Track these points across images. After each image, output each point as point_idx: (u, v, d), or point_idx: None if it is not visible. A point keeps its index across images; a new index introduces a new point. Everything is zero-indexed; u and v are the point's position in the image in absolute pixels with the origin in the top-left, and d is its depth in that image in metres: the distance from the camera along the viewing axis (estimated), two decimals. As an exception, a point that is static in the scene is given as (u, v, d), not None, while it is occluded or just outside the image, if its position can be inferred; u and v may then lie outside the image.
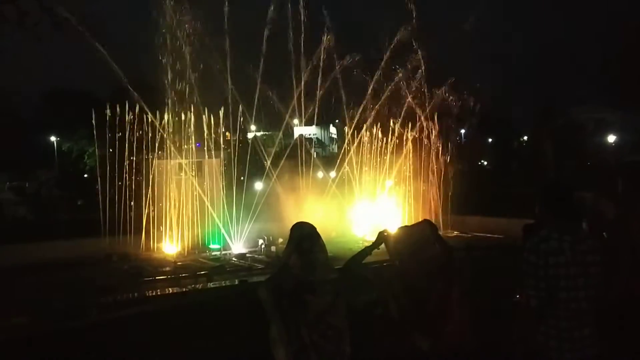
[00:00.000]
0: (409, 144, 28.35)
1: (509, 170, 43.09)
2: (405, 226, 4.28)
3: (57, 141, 43.72)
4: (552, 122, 45.16)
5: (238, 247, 22.36)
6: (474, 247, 11.78)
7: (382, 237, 4.24)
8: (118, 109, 21.25)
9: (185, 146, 22.96)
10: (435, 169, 28.59)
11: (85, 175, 35.38)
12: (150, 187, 21.88)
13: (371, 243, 4.22)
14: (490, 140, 51.19)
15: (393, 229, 4.28)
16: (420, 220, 4.42)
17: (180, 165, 22.92)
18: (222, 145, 24.37)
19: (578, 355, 3.23)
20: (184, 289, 7.57)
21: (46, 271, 17.11)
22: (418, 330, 3.77)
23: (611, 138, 45.98)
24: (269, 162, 26.57)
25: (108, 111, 21.16)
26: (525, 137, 55.14)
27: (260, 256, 20.89)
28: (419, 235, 4.12)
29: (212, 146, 23.73)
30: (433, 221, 4.53)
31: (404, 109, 28.18)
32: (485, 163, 50.48)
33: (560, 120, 45.91)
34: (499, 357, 4.83)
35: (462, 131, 37.09)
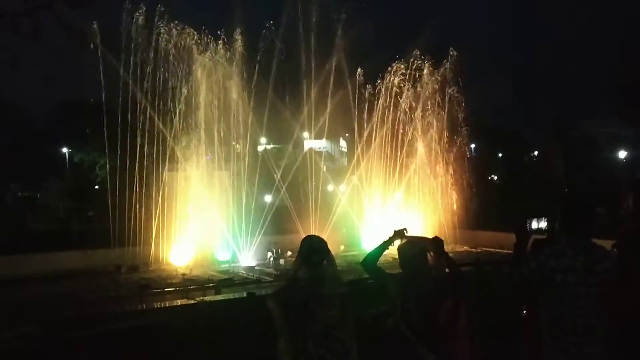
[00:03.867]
0: (419, 157, 28.34)
1: (519, 185, 42.83)
2: (407, 241, 4.24)
3: (69, 152, 44.08)
4: (563, 136, 44.93)
5: (247, 259, 22.35)
6: (483, 262, 11.69)
7: (399, 233, 4.23)
8: (130, 120, 21.46)
9: (195, 159, 23.11)
10: (445, 183, 28.54)
11: (97, 187, 35.61)
12: (160, 199, 21.99)
13: (387, 238, 4.23)
14: (500, 155, 51.01)
15: (407, 232, 4.27)
16: (427, 235, 4.41)
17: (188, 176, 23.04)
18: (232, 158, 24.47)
19: None
20: (192, 301, 7.57)
21: (56, 281, 17.22)
22: (424, 346, 3.76)
23: (622, 154, 45.58)
24: (278, 175, 26.65)
25: (120, 123, 21.37)
26: (536, 152, 54.84)
27: (268, 269, 20.88)
28: (418, 252, 4.09)
29: (222, 158, 23.87)
30: (442, 235, 4.51)
31: (413, 122, 28.25)
32: (495, 178, 50.26)
33: (572, 135, 45.66)
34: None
35: (472, 145, 37.00)
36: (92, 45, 21.13)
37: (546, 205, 25.27)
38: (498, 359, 5.11)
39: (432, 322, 3.75)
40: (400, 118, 28.17)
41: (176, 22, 22.57)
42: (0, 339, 5.37)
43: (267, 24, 24.30)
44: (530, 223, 23.33)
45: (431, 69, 28.00)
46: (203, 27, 23.26)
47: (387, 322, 4.05)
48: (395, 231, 4.24)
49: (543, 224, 22.20)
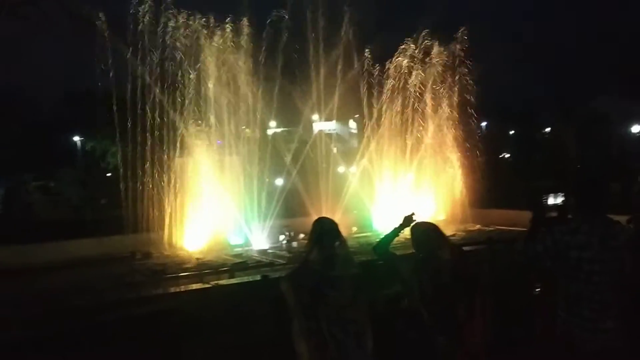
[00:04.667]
0: (430, 136, 28.18)
1: (531, 163, 42.57)
2: (417, 224, 4.24)
3: (80, 141, 44.37)
4: (574, 112, 44.47)
5: (259, 243, 22.47)
6: (496, 240, 11.69)
7: (408, 219, 4.25)
8: (139, 108, 21.51)
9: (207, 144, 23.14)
10: (456, 162, 28.37)
11: (109, 174, 35.85)
12: (172, 185, 22.10)
13: (398, 225, 4.24)
14: (511, 132, 50.64)
15: (417, 217, 4.28)
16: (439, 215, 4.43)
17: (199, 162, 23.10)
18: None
19: (600, 347, 3.22)
20: (207, 285, 7.66)
21: (72, 269, 17.42)
22: (439, 329, 3.77)
23: (636, 128, 45.05)
24: (289, 158, 26.64)
25: (130, 110, 21.43)
26: (548, 129, 54.37)
27: (281, 252, 20.96)
28: (433, 234, 4.09)
29: (233, 143, 23.87)
30: (455, 215, 4.52)
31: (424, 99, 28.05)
32: (508, 155, 49.96)
33: (583, 111, 45.18)
34: (521, 348, 4.82)
35: (484, 124, 36.73)
36: (98, 34, 21.12)
37: (559, 182, 25.12)
38: (511, 337, 5.12)
39: (450, 311, 3.75)
40: (410, 98, 27.96)
41: (182, 11, 22.48)
42: (17, 327, 5.47)
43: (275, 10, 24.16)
44: (547, 199, 23.21)
45: (441, 48, 27.70)
46: (210, 14, 23.16)
47: (401, 304, 4.07)
48: (405, 217, 4.25)
49: (559, 200, 22.01)
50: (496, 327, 4.03)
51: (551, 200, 23.00)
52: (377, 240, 4.25)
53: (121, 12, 22.09)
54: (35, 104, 52.70)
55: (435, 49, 27.62)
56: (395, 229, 4.24)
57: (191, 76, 22.42)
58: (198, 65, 22.57)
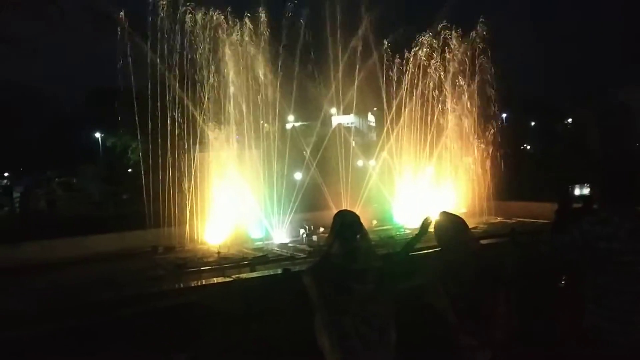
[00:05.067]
0: (449, 128, 27.95)
1: (553, 154, 42.03)
2: (441, 215, 4.19)
3: (101, 137, 44.93)
4: (597, 103, 43.77)
5: (280, 236, 22.53)
6: (518, 232, 11.54)
7: (426, 224, 4.20)
8: (159, 103, 21.65)
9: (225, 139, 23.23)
10: (477, 154, 28.12)
11: (130, 170, 36.23)
12: (192, 180, 22.23)
13: (416, 233, 4.20)
14: (533, 123, 50.02)
15: (435, 214, 4.22)
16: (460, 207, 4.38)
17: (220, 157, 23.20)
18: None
19: (630, 339, 3.15)
20: (228, 279, 7.68)
21: (95, 264, 17.67)
22: (463, 327, 3.71)
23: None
24: (308, 152, 26.65)
25: (150, 106, 21.60)
26: (570, 120, 53.63)
27: (301, 245, 21.01)
28: (460, 228, 4.03)
29: (252, 137, 23.92)
30: (476, 207, 4.47)
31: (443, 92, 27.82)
32: (529, 147, 49.38)
33: (606, 101, 44.45)
34: (545, 343, 4.75)
35: (504, 115, 36.30)
36: (118, 30, 21.30)
37: (582, 173, 24.74)
38: (535, 331, 5.04)
39: (475, 308, 3.70)
40: (429, 90, 27.75)
41: (200, 7, 22.53)
42: (42, 320, 5.55)
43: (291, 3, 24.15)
44: (573, 190, 22.90)
45: (460, 39, 27.45)
46: (228, 8, 23.20)
47: (425, 297, 4.02)
48: (422, 225, 4.21)
49: (586, 190, 21.68)
50: (520, 322, 3.96)
51: (577, 191, 22.69)
52: (394, 251, 4.21)
53: (140, 8, 22.24)
54: (57, 102, 53.56)
55: (455, 40, 27.36)
56: (413, 238, 4.21)
57: (211, 71, 22.48)
58: (217, 63, 22.63)
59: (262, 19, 23.51)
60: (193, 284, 10.75)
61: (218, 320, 5.35)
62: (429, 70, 27.47)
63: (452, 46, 27.47)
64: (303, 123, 37.31)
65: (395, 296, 3.88)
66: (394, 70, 27.54)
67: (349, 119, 37.72)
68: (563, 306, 5.16)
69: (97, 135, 45.57)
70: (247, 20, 23.24)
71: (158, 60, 21.91)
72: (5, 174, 50.92)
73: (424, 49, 27.37)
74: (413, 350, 4.01)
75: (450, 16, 27.58)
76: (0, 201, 37.11)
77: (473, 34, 27.30)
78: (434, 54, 27.44)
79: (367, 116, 53.01)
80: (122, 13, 21.62)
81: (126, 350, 4.98)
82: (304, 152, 26.76)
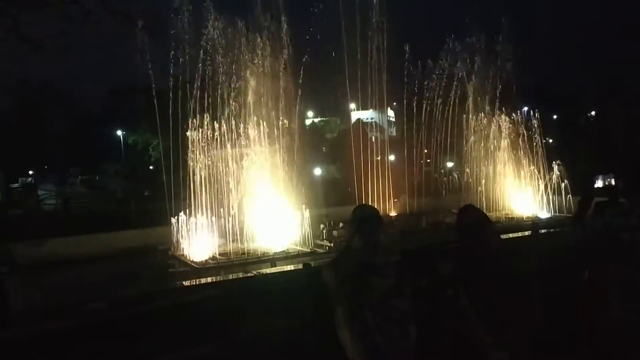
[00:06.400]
0: (470, 124, 27.73)
1: (576, 147, 41.38)
2: (462, 209, 4.16)
3: (123, 135, 45.43)
4: (621, 95, 42.95)
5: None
6: (540, 225, 11.42)
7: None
8: (180, 101, 21.78)
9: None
10: (496, 149, 27.84)
11: (151, 167, 36.60)
12: (211, 177, 22.28)
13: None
14: (555, 117, 49.34)
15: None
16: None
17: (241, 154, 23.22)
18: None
19: None
20: (249, 274, 7.76)
21: (118, 259, 17.96)
22: (483, 325, 3.67)
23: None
24: (327, 148, 26.67)
25: (172, 103, 21.75)
26: (593, 113, 52.77)
27: (322, 241, 21.05)
28: (474, 222, 3.98)
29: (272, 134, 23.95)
30: (496, 202, 4.43)
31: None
32: (551, 141, 48.71)
33: (631, 93, 43.54)
34: (569, 335, 4.69)
35: (525, 108, 35.88)
36: (139, 30, 21.47)
37: (606, 165, 24.39)
38: (558, 327, 4.99)
39: (495, 306, 3.66)
40: (451, 86, 27.59)
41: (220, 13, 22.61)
42: (68, 314, 5.65)
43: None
44: (596, 181, 22.64)
45: (483, 40, 27.30)
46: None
47: (445, 293, 4.00)
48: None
49: (610, 180, 21.35)
50: (543, 321, 3.91)
51: (599, 183, 22.41)
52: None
53: (162, 7, 22.41)
54: (79, 100, 54.30)
55: (478, 39, 27.22)
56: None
57: (232, 74, 22.51)
58: (238, 62, 22.68)
59: (282, 19, 23.48)
60: (213, 279, 10.85)
61: (238, 315, 5.40)
62: (452, 69, 27.34)
63: (476, 46, 27.29)
64: (322, 119, 37.31)
65: (414, 291, 3.87)
66: (417, 68, 27.53)
67: (368, 114, 37.57)
68: (587, 301, 5.09)
69: (119, 133, 46.12)
70: (268, 16, 23.21)
71: (180, 59, 22.04)
72: (30, 172, 51.84)
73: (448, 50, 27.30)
74: (431, 345, 4.00)
75: (477, 14, 27.47)
76: (24, 199, 37.71)
77: (498, 34, 27.11)
78: (457, 54, 27.32)
79: (386, 111, 52.79)
80: (142, 12, 21.80)
81: (147, 344, 5.05)
82: (323, 148, 26.78)
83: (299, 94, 24.27)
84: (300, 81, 24.00)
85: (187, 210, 20.45)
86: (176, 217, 19.98)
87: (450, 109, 27.46)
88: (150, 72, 22.34)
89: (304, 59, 23.79)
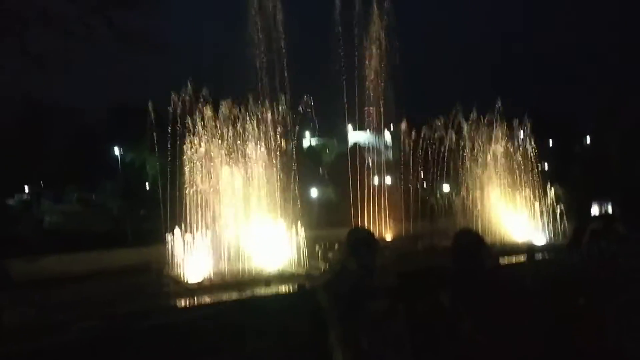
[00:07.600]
0: (465, 148, 27.84)
1: (570, 174, 41.46)
2: (460, 232, 4.19)
3: (120, 153, 45.43)
4: (618, 121, 43.13)
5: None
6: (536, 250, 11.44)
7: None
8: (178, 120, 21.81)
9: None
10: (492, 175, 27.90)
11: (147, 187, 36.53)
12: (206, 197, 22.22)
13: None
14: (550, 144, 49.63)
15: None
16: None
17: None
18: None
19: None
20: (243, 295, 7.72)
21: (113, 278, 17.84)
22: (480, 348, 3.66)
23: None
24: (323, 170, 26.71)
25: (170, 123, 21.77)
26: (588, 137, 53.09)
27: (316, 262, 20.93)
28: (470, 240, 4.00)
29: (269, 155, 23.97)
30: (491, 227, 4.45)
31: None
32: (546, 166, 48.90)
33: (628, 119, 43.70)
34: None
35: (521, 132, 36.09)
36: (139, 48, 21.57)
37: (602, 192, 24.46)
38: (555, 350, 4.97)
39: (491, 330, 3.66)
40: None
41: None
42: (65, 332, 5.61)
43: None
44: (591, 207, 22.66)
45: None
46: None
47: (441, 316, 4.00)
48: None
49: (607, 207, 21.34)
50: (538, 341, 3.91)
51: (595, 210, 22.44)
52: None
53: (163, 25, 22.57)
54: (77, 117, 54.36)
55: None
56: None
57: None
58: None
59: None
60: (208, 299, 10.78)
61: (234, 334, 5.37)
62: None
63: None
64: (319, 139, 37.38)
65: (410, 313, 3.86)
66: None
67: (366, 137, 37.76)
68: (582, 326, 5.08)
69: (117, 151, 46.13)
70: None
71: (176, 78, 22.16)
72: (26, 189, 51.63)
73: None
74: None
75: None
76: (20, 216, 37.44)
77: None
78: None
79: (384, 134, 52.96)
80: (143, 30, 21.92)
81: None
82: (320, 170, 26.82)
83: (298, 120, 24.47)
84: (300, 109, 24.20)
85: (182, 230, 20.35)
86: (171, 236, 19.84)
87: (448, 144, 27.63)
88: (149, 93, 22.42)
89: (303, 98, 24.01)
